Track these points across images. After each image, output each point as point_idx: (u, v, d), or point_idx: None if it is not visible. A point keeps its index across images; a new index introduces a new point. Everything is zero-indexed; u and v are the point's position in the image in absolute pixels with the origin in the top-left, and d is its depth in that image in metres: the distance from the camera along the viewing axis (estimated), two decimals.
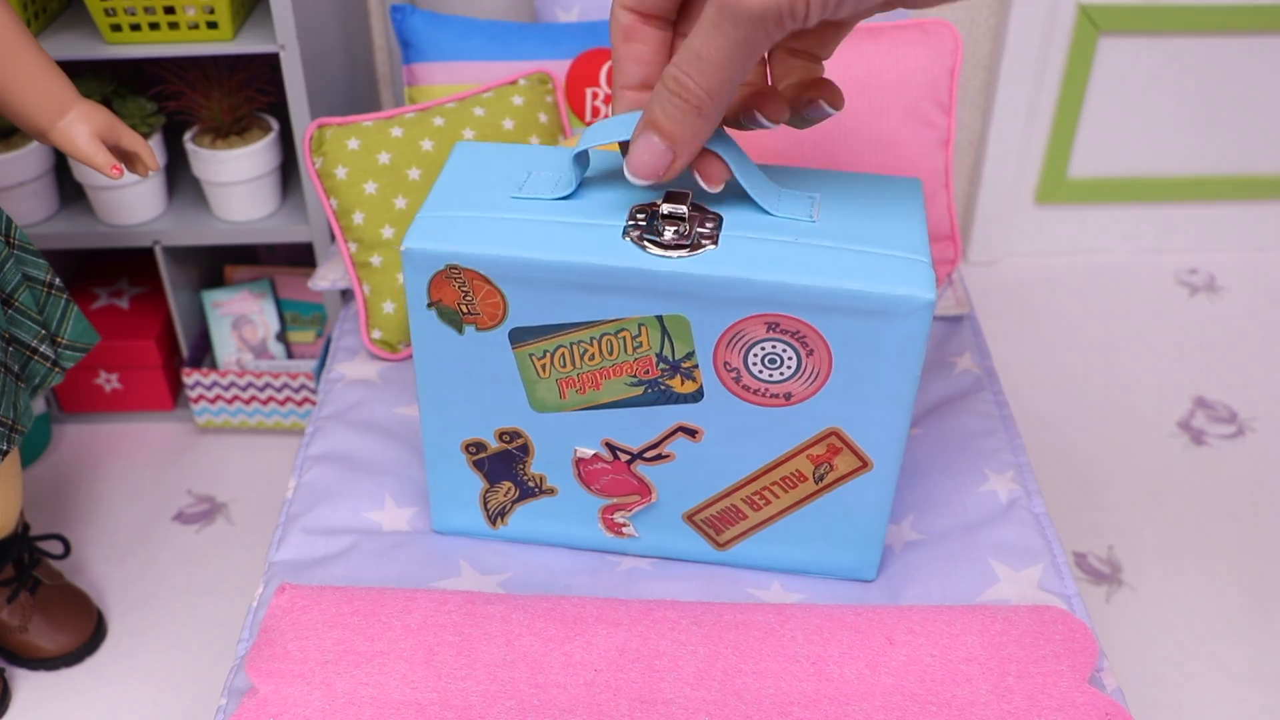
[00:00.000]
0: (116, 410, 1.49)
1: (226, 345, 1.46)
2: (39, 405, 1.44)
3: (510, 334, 0.77)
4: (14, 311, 0.98)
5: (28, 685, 1.16)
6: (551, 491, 0.85)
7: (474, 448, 0.84)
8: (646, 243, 0.72)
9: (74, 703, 1.14)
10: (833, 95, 0.69)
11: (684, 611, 0.79)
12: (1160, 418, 1.48)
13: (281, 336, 1.48)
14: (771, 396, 0.76)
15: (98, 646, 1.19)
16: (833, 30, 0.68)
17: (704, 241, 0.72)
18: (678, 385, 0.77)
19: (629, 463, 0.82)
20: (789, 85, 0.70)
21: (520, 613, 0.78)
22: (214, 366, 1.47)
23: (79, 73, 1.33)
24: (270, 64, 1.36)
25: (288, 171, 1.44)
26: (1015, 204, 1.76)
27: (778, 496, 0.82)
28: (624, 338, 0.76)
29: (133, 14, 1.17)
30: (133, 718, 1.13)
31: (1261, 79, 1.64)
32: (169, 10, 1.17)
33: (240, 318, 1.46)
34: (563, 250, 0.73)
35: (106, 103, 1.29)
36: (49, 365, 1.02)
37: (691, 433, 0.79)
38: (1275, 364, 1.57)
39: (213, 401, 1.43)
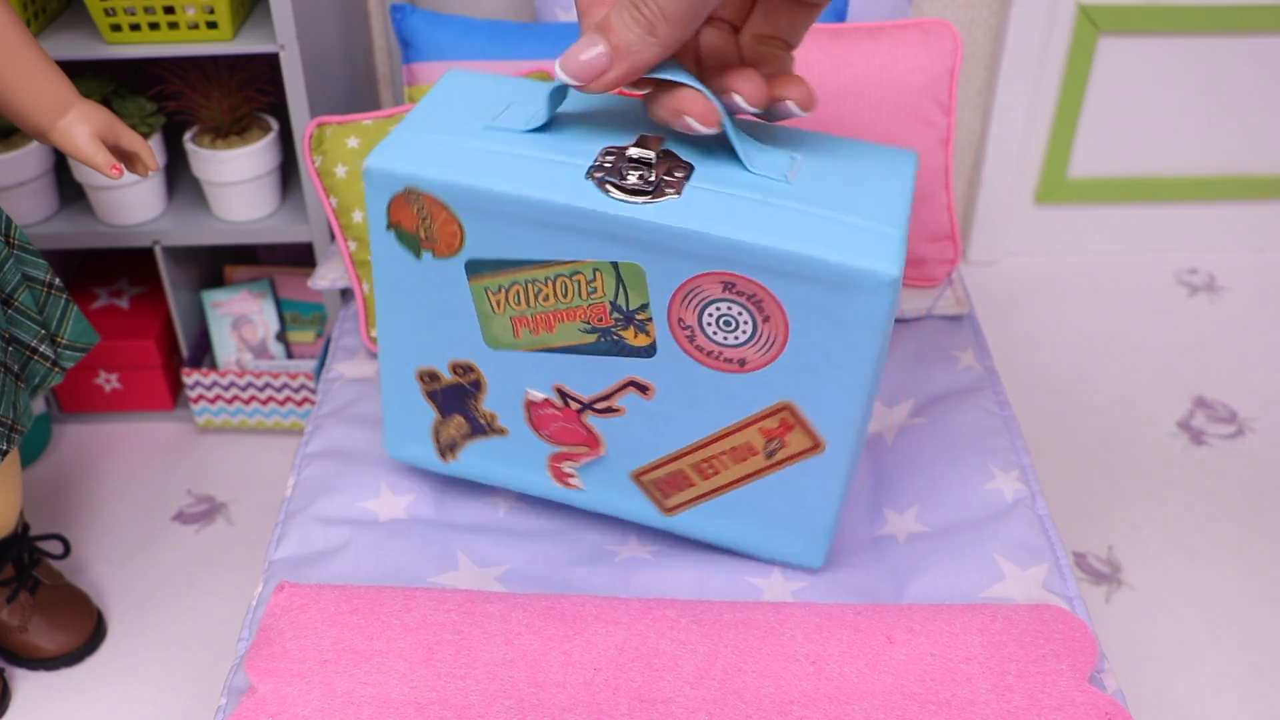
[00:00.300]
0: (116, 410, 1.49)
1: (226, 345, 1.46)
2: (39, 405, 1.44)
3: (466, 265, 0.76)
4: (14, 311, 0.98)
5: (28, 685, 1.16)
6: (502, 432, 0.84)
7: (428, 377, 0.84)
8: (608, 185, 0.70)
9: (74, 703, 1.14)
10: (803, 96, 0.68)
11: (683, 610, 0.79)
12: (1160, 418, 1.48)
13: (281, 336, 1.48)
14: (725, 360, 0.74)
15: (98, 646, 1.19)
16: (802, 12, 0.68)
17: (668, 190, 0.70)
18: (630, 337, 0.75)
19: (579, 412, 0.81)
20: (763, 75, 0.69)
21: (519, 611, 0.78)
22: (214, 366, 1.47)
23: (79, 73, 1.33)
24: (270, 64, 1.36)
25: (287, 171, 1.44)
26: (1015, 204, 1.76)
27: (727, 467, 0.80)
28: (578, 281, 0.74)
29: (132, 14, 1.17)
30: (133, 717, 1.13)
31: (1261, 79, 1.64)
32: (169, 10, 1.17)
33: (240, 318, 1.46)
34: (522, 184, 0.71)
35: (106, 103, 1.29)
36: (49, 365, 1.02)
37: (643, 389, 0.78)
38: (1275, 364, 1.57)
39: (212, 401, 1.43)
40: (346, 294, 1.27)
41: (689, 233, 0.69)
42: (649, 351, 0.76)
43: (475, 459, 0.88)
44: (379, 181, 0.74)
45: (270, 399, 1.43)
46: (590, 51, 0.63)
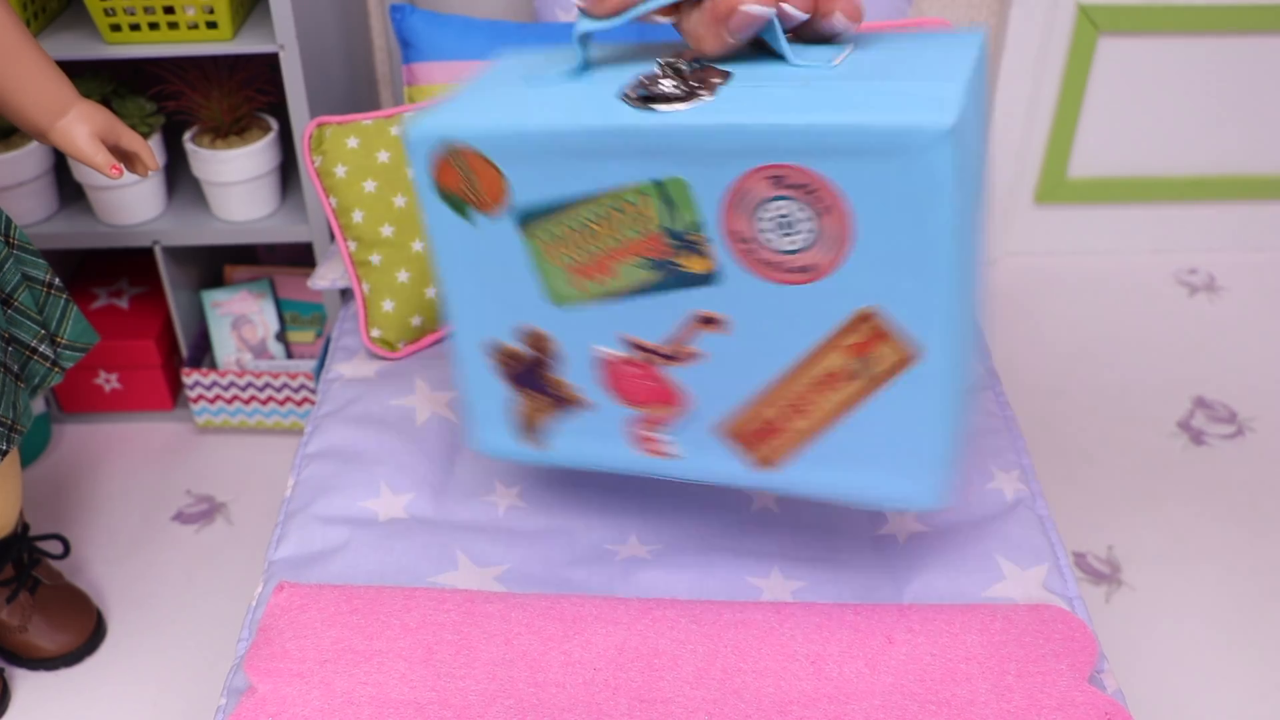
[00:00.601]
0: (116, 410, 1.49)
1: (226, 345, 1.46)
2: (39, 405, 1.44)
3: (515, 216, 0.74)
4: (13, 311, 0.98)
5: (27, 685, 1.16)
6: (582, 403, 0.81)
7: (501, 354, 0.81)
8: (639, 100, 0.68)
9: (74, 703, 1.14)
10: (849, 6, 0.64)
11: (683, 610, 0.79)
12: (1160, 418, 1.48)
13: (281, 336, 1.48)
14: (791, 271, 0.68)
15: (97, 646, 1.19)
16: None
17: (701, 93, 0.66)
18: (690, 264, 0.71)
19: (656, 364, 0.76)
20: None
21: (519, 611, 0.78)
22: (213, 366, 1.47)
23: (79, 73, 1.33)
24: (270, 64, 1.36)
25: (287, 171, 1.44)
26: (1015, 204, 1.76)
27: (819, 401, 0.72)
28: (627, 210, 0.71)
29: (132, 14, 1.17)
30: (132, 717, 1.13)
31: (1261, 79, 1.64)
32: (168, 10, 1.17)
33: (240, 318, 1.46)
34: (554, 116, 0.69)
35: (106, 103, 1.29)
36: (48, 365, 1.02)
37: (713, 322, 0.73)
38: (1275, 364, 1.57)
39: (212, 401, 1.43)
40: (346, 294, 1.27)
41: (723, 128, 0.64)
42: (713, 278, 0.71)
43: (564, 441, 0.83)
44: (417, 146, 0.74)
45: (270, 399, 1.43)
46: None
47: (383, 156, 1.11)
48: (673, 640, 0.76)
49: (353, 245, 1.13)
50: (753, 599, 0.84)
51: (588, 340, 0.77)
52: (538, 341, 0.79)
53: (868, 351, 0.69)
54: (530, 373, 0.81)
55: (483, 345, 0.81)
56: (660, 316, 0.74)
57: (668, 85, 0.67)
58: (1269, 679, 1.15)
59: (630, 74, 0.72)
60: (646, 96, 0.68)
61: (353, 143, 1.11)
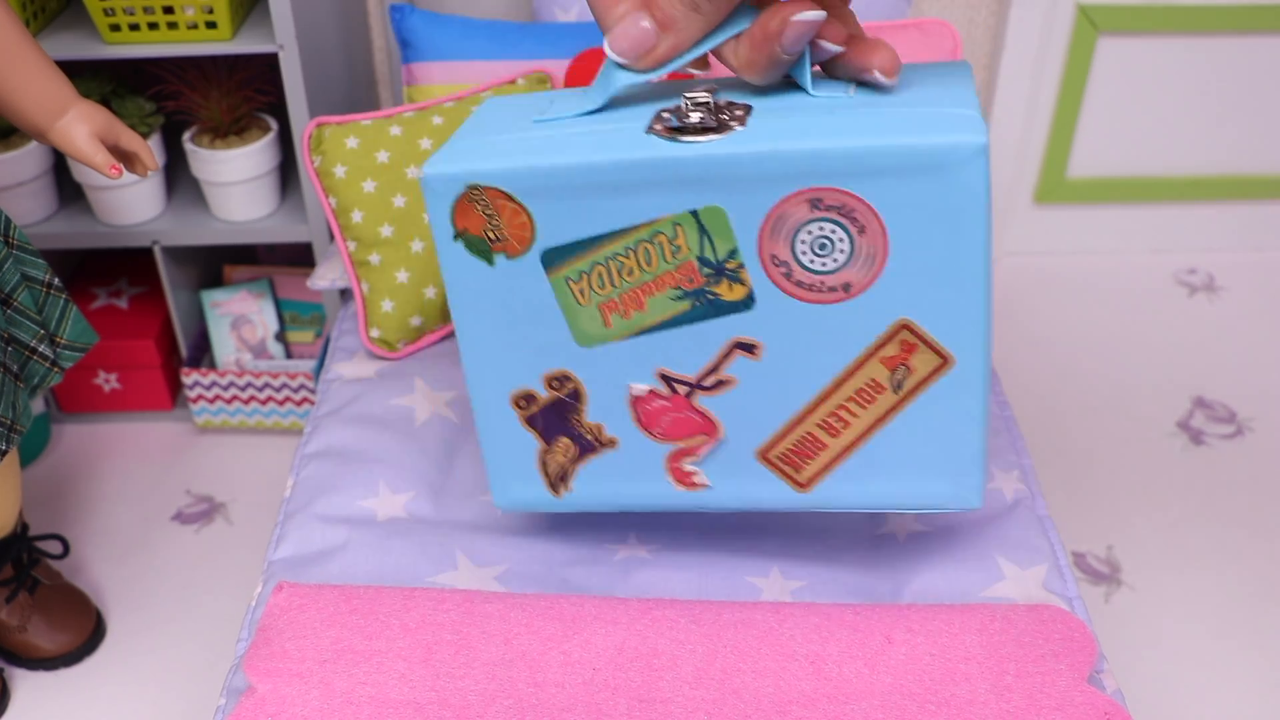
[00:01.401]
0: (115, 410, 1.49)
1: (225, 345, 1.46)
2: (38, 405, 1.44)
3: (542, 258, 0.72)
4: (13, 311, 0.98)
5: (27, 685, 1.16)
6: (612, 444, 0.79)
7: (524, 401, 0.79)
8: (671, 133, 0.68)
9: (73, 703, 1.14)
10: (886, 62, 0.65)
11: (683, 610, 0.79)
12: (1159, 418, 1.48)
13: (280, 336, 1.48)
14: (829, 290, 0.70)
15: (97, 646, 1.19)
16: None
17: (733, 124, 0.67)
18: (725, 292, 0.71)
19: (689, 395, 0.75)
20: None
21: (518, 611, 0.78)
22: (213, 366, 1.47)
23: (78, 73, 1.33)
24: (269, 64, 1.36)
25: (287, 171, 1.44)
26: (1014, 204, 1.76)
27: (856, 416, 0.74)
28: (660, 243, 0.70)
29: (131, 14, 1.17)
30: (132, 718, 1.13)
31: (1261, 79, 1.64)
32: (168, 10, 1.17)
33: (239, 318, 1.46)
34: (584, 152, 0.68)
35: (105, 103, 1.29)
36: (48, 365, 1.02)
37: (750, 349, 0.73)
38: (1274, 364, 1.57)
39: (211, 401, 1.43)
40: (346, 294, 1.27)
41: (764, 155, 0.66)
42: (747, 304, 0.71)
43: (590, 485, 0.81)
44: (439, 188, 0.71)
45: (269, 399, 1.43)
46: (638, 29, 0.62)
47: (382, 156, 1.11)
48: (672, 640, 0.76)
49: (352, 245, 1.13)
50: (753, 599, 0.84)
51: (619, 378, 0.76)
52: (565, 385, 0.78)
53: (904, 360, 0.71)
54: (559, 419, 0.79)
55: (507, 395, 0.79)
56: (694, 346, 0.74)
57: (696, 117, 0.68)
58: (1269, 679, 1.15)
59: (646, 111, 0.71)
60: (677, 128, 0.68)
61: (352, 143, 1.11)
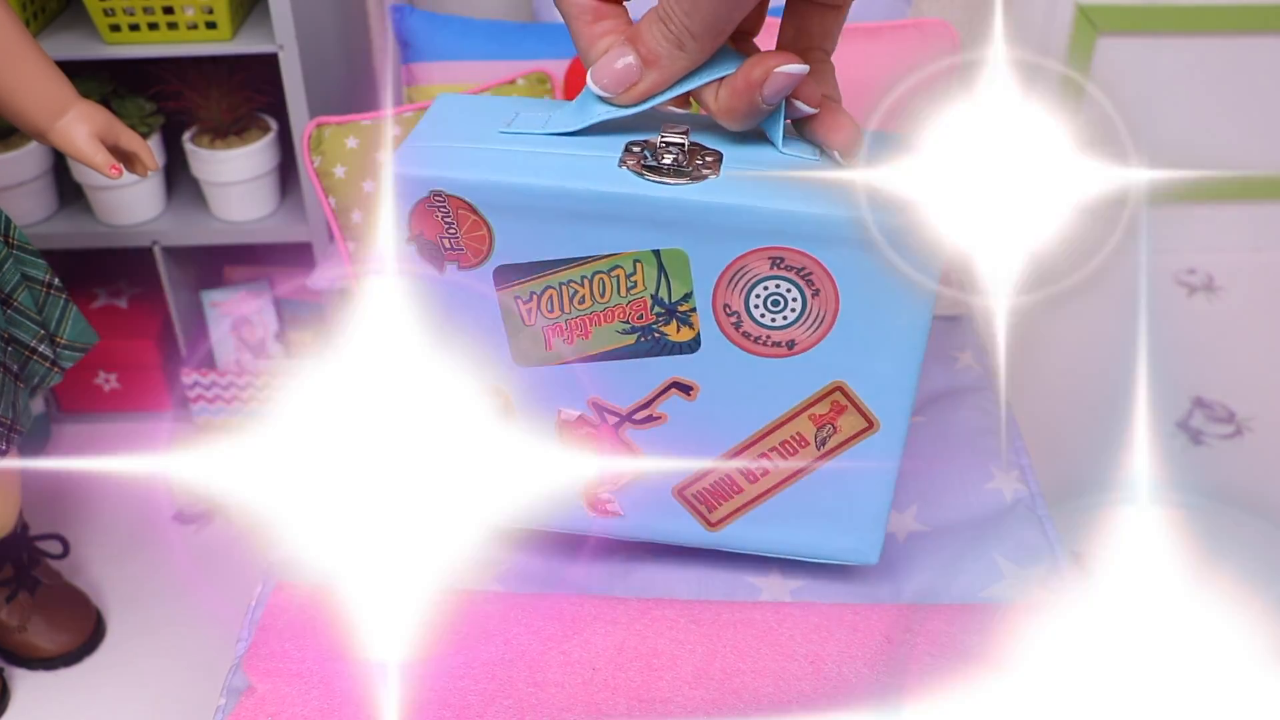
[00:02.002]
0: (115, 410, 1.49)
1: (225, 345, 1.46)
2: (38, 405, 1.44)
3: (495, 273, 0.72)
4: (13, 311, 0.97)
5: (27, 685, 1.16)
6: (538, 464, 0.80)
7: None
8: (645, 170, 0.68)
9: (73, 703, 1.14)
10: (846, 143, 0.66)
11: (682, 610, 0.79)
12: (1159, 418, 1.48)
13: (280, 336, 1.47)
14: (773, 345, 0.72)
15: (96, 646, 1.19)
16: (832, 15, 0.67)
17: (705, 171, 0.68)
18: (672, 332, 0.72)
19: (617, 426, 0.76)
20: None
21: (518, 611, 0.78)
22: (213, 366, 1.47)
23: (78, 73, 1.33)
24: (269, 64, 1.36)
25: (286, 171, 1.44)
26: None
27: (776, 466, 0.77)
28: (617, 276, 0.71)
29: (131, 14, 1.17)
30: (132, 717, 1.13)
31: (1261, 79, 1.64)
32: (168, 10, 1.17)
33: (239, 318, 1.46)
34: (556, 176, 0.68)
35: (105, 103, 1.29)
36: (48, 365, 1.02)
37: (686, 389, 0.74)
38: (1274, 364, 1.57)
39: (211, 401, 1.43)
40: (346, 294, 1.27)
41: (736, 208, 0.67)
42: (692, 346, 0.73)
43: (508, 502, 0.81)
44: (404, 189, 0.70)
45: (270, 399, 1.43)
46: (622, 63, 0.62)
47: (382, 157, 1.11)
48: (672, 640, 0.76)
49: (352, 245, 1.13)
50: (752, 599, 0.84)
51: (552, 401, 0.77)
52: (494, 398, 0.78)
53: (831, 420, 0.74)
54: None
55: None
56: (631, 380, 0.75)
57: (669, 160, 0.68)
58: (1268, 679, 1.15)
59: (617, 141, 0.71)
60: (652, 167, 0.68)
61: (352, 143, 1.12)
